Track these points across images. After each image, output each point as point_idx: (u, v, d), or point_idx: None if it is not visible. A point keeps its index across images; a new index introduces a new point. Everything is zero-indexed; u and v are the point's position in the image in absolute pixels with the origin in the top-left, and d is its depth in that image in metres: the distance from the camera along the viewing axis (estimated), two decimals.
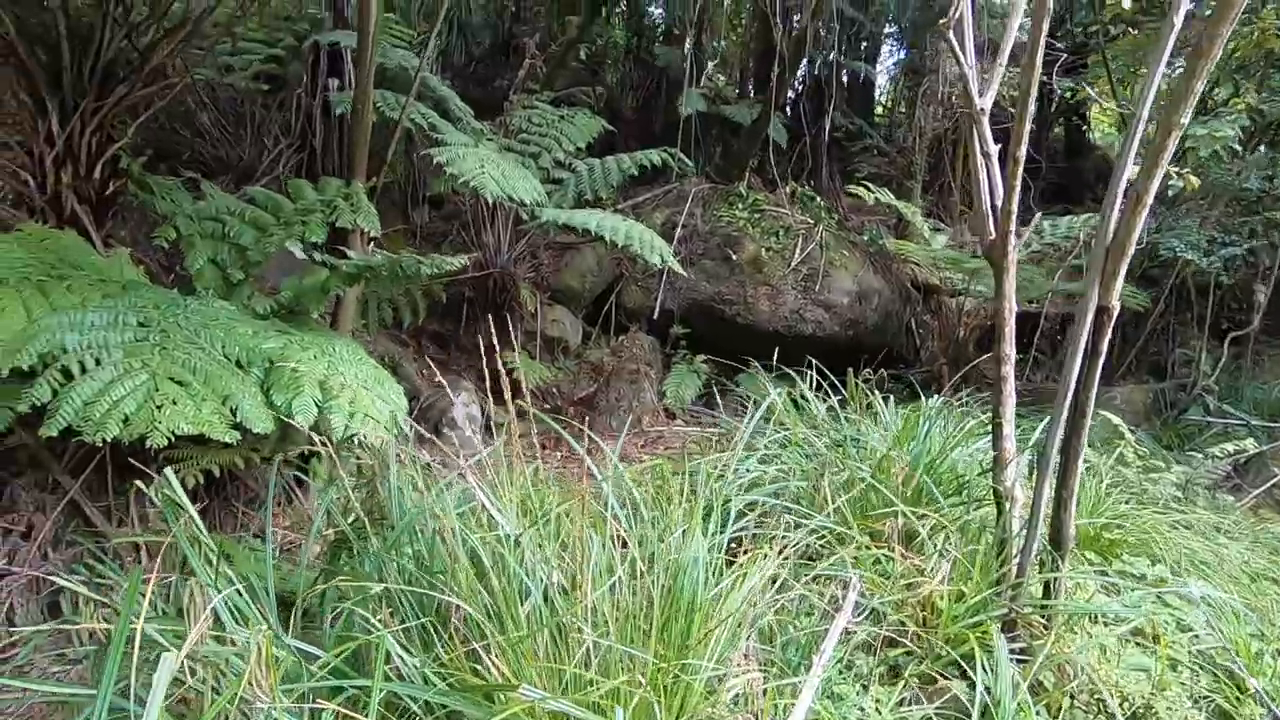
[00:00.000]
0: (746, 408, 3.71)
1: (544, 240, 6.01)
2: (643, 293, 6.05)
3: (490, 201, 4.57)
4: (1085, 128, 9.54)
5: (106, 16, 2.82)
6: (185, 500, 1.42)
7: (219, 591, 1.32)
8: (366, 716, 1.03)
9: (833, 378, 3.21)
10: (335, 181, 3.58)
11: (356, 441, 2.46)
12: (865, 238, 6.49)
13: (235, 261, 3.17)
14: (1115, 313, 2.01)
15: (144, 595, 1.18)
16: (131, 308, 2.45)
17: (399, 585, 1.47)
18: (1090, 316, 2.01)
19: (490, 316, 5.25)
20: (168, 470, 1.47)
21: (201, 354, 2.39)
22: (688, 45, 6.96)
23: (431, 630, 1.42)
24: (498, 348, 2.27)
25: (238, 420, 2.21)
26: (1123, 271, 1.98)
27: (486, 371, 2.03)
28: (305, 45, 4.85)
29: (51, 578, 2.11)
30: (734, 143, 7.23)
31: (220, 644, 1.29)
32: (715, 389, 5.64)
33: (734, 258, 5.96)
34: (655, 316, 5.93)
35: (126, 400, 1.99)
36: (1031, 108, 2.02)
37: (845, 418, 2.93)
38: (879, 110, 10.27)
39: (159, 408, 1.98)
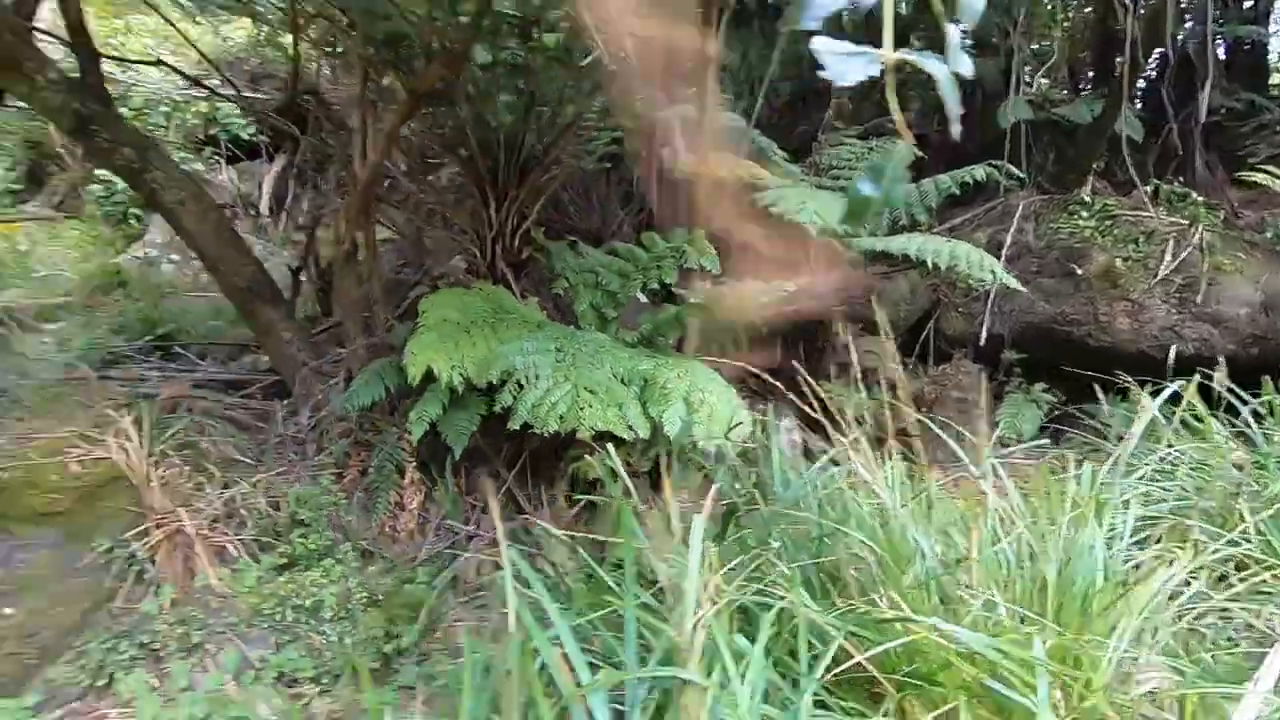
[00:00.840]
0: (1107, 439, 3.26)
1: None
2: (964, 319, 5.69)
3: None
4: None
5: (528, 125, 3.78)
6: (621, 469, 1.86)
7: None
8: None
9: (1240, 394, 2.69)
10: (679, 231, 4.18)
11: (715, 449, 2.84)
12: (1269, 235, 5.24)
13: (607, 303, 3.90)
14: None
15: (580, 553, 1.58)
16: (548, 338, 3.20)
17: (790, 543, 1.70)
18: None
19: (805, 349, 5.46)
20: (609, 446, 1.94)
21: (598, 372, 3.01)
22: (1011, 47, 6.49)
23: (824, 585, 1.61)
24: (815, 378, 2.44)
25: (628, 423, 2.74)
26: None
27: (805, 401, 2.21)
28: (643, 124, 5.74)
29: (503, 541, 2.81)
30: (1068, 147, 6.47)
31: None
32: (1059, 420, 5.00)
33: (1078, 272, 5.30)
34: (981, 343, 5.53)
35: (559, 404, 2.64)
36: None
37: (1265, 433, 2.43)
38: (1275, 79, 8.23)
39: (582, 409, 2.57)
